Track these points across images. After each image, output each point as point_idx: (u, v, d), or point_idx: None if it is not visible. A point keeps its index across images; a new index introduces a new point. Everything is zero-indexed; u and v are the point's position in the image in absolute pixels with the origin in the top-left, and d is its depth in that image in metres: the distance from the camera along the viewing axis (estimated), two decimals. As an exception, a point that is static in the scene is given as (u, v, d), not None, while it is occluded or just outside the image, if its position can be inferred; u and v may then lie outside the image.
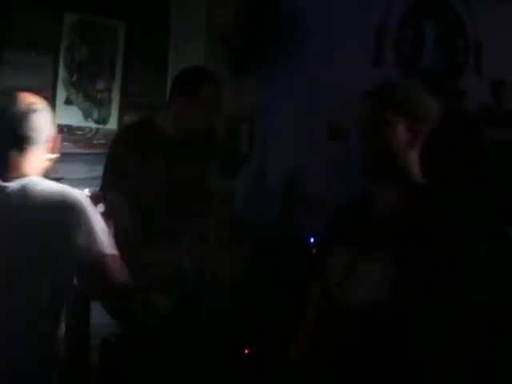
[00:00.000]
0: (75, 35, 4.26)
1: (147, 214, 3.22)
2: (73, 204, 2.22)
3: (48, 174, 2.38)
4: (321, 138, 4.16)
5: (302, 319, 2.17)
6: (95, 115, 4.34)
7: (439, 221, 1.96)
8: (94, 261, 2.22)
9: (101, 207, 2.80)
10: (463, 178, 3.12)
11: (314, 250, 3.09)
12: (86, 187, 3.08)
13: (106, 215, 2.57)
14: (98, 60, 4.33)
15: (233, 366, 3.49)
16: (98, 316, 3.41)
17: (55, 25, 4.20)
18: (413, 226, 1.97)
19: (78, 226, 2.20)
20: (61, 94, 4.24)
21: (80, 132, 4.29)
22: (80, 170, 4.12)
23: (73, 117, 4.24)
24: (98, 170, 3.47)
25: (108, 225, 2.44)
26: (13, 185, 2.22)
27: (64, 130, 4.11)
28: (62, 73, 4.24)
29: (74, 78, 4.28)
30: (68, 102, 4.26)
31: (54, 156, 2.37)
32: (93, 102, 4.33)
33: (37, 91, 2.39)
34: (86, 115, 4.32)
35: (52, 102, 4.04)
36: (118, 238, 2.67)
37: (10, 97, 2.30)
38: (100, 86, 4.35)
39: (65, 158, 2.77)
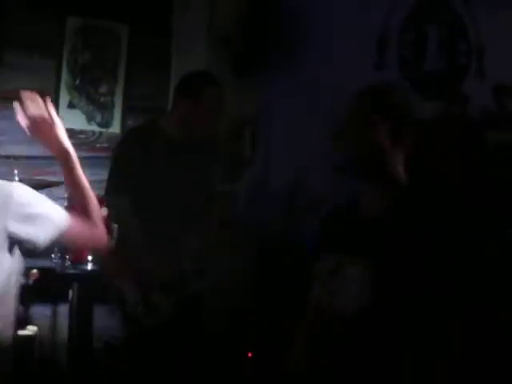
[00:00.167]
0: (78, 39, 4.28)
1: (150, 217, 3.24)
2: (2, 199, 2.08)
3: (50, 178, 2.37)
4: (323, 140, 4.15)
5: (302, 320, 2.17)
6: (98, 119, 4.34)
7: (422, 222, 1.96)
8: (56, 240, 2.11)
9: (104, 211, 2.82)
10: (463, 180, 3.12)
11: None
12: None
13: (109, 218, 2.58)
14: (100, 64, 4.34)
15: (234, 367, 3.50)
16: (101, 319, 3.42)
17: (58, 28, 4.22)
18: (395, 228, 1.98)
19: (11, 218, 2.05)
20: (64, 98, 4.25)
21: (83, 136, 4.29)
22: (83, 174, 4.12)
23: (76, 120, 4.25)
24: (100, 174, 3.46)
25: (111, 228, 2.44)
26: None
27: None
28: (64, 76, 4.25)
29: (77, 82, 4.29)
30: (71, 105, 4.28)
31: None
32: (96, 105, 4.34)
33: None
34: (89, 119, 4.33)
35: (55, 106, 4.04)
36: (121, 239, 2.69)
37: None
38: (103, 89, 4.36)
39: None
